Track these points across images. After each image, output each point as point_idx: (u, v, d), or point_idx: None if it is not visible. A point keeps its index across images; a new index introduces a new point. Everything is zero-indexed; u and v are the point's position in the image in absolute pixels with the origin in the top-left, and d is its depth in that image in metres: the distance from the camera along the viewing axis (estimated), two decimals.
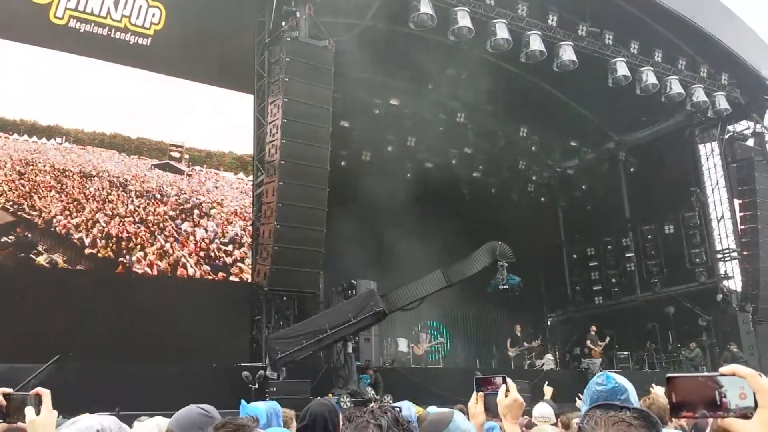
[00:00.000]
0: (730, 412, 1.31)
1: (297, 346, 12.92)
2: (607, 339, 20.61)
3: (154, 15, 14.19)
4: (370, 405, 1.82)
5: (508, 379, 2.44)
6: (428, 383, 14.63)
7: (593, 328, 20.71)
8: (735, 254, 22.42)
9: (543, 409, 5.99)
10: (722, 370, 1.34)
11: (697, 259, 22.33)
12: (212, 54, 14.59)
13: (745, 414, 1.30)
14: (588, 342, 20.43)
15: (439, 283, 14.01)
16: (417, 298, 13.96)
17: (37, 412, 2.05)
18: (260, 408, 3.63)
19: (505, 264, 14.39)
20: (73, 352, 10.54)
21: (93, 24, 13.57)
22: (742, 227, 22.43)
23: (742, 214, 22.53)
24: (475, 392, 2.46)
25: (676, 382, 1.36)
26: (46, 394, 2.08)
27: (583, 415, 1.81)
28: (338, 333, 13.08)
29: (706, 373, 1.36)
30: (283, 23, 14.72)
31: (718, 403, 1.32)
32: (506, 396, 2.38)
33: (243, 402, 3.57)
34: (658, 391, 4.41)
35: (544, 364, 20.43)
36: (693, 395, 1.34)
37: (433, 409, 2.96)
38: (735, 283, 22.38)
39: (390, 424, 1.73)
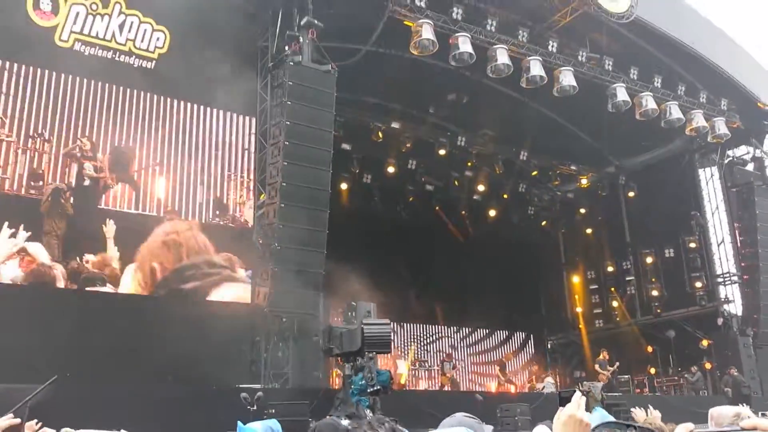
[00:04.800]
0: None
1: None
2: (617, 365, 20.58)
3: (158, 39, 14.33)
4: (366, 419, 1.82)
5: (576, 393, 2.27)
6: (427, 406, 14.47)
7: (603, 352, 20.74)
8: (735, 278, 22.40)
9: None
10: (742, 425, 1.35)
11: (698, 283, 22.35)
12: (216, 77, 14.68)
13: None
14: (597, 366, 20.42)
15: (324, 345, 11.70)
16: (344, 351, 11.77)
17: None
18: (257, 428, 3.54)
19: (372, 356, 9.76)
20: (71, 373, 10.46)
21: (98, 47, 13.71)
22: (743, 251, 22.43)
23: (742, 238, 22.55)
24: (559, 408, 2.41)
25: None
26: None
27: None
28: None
29: (726, 429, 1.36)
30: (286, 48, 14.84)
31: None
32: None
33: (240, 423, 3.49)
34: (638, 413, 4.45)
35: (544, 387, 20.30)
36: None
37: None
38: (735, 307, 22.35)
39: None
